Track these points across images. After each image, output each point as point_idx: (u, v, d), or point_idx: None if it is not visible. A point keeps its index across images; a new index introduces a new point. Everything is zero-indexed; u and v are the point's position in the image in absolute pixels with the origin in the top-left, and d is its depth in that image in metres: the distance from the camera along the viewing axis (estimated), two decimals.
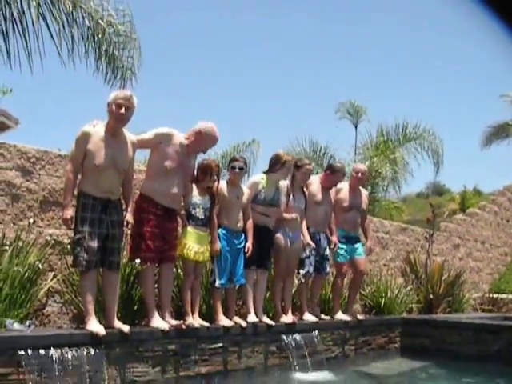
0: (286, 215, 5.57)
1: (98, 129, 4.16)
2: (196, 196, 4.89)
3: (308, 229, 5.96)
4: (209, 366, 4.74)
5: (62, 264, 4.63)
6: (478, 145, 17.24)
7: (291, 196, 5.69)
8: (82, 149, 4.09)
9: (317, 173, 10.39)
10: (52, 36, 6.21)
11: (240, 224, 5.22)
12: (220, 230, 5.08)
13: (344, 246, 6.35)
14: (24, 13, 5.95)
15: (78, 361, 3.76)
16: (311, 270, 5.95)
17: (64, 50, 6.32)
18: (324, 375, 5.45)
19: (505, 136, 16.97)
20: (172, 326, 4.51)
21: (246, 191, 5.31)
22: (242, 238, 5.23)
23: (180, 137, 4.69)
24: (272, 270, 5.76)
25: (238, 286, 5.36)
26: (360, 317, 6.57)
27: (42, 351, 3.61)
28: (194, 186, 4.92)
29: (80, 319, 4.41)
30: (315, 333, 5.74)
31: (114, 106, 4.13)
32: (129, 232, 4.55)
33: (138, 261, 4.46)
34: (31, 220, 4.50)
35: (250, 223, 5.29)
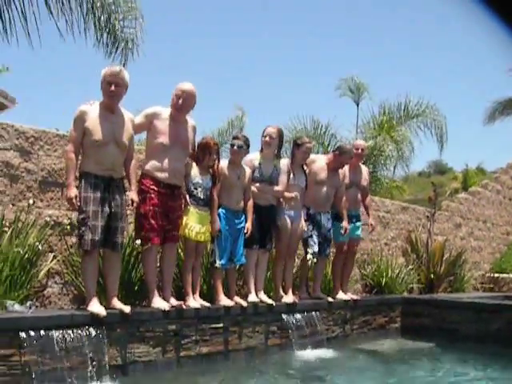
0: (286, 194, 5.53)
1: (94, 107, 4.13)
2: (197, 176, 4.86)
3: (308, 209, 5.93)
4: (209, 346, 4.76)
5: (62, 245, 4.62)
6: (481, 122, 17.04)
7: (291, 174, 5.65)
8: (81, 127, 4.06)
9: (317, 152, 10.36)
10: (50, 9, 6.07)
11: (240, 204, 5.19)
12: (220, 209, 5.05)
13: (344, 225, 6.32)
14: None
15: (79, 342, 3.77)
16: (316, 249, 5.92)
17: (62, 23, 6.18)
18: (324, 354, 5.47)
19: (510, 112, 16.74)
20: (173, 306, 4.51)
21: (248, 171, 5.27)
22: (243, 217, 5.20)
23: (168, 111, 4.64)
24: (274, 249, 5.75)
25: (238, 266, 5.36)
26: (356, 297, 6.57)
27: (43, 332, 3.63)
28: (194, 165, 4.88)
29: (80, 300, 4.42)
30: (316, 312, 5.75)
31: (104, 84, 4.10)
32: (134, 211, 4.54)
33: (138, 241, 4.44)
34: (31, 201, 4.47)
35: (250, 203, 5.26)
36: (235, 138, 5.32)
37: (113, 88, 4.09)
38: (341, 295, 6.38)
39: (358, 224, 6.59)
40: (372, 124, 11.90)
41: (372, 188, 10.93)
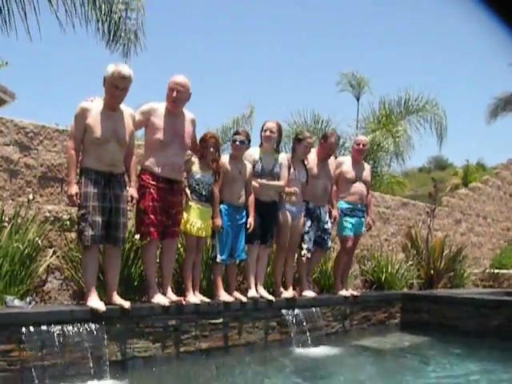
0: (287, 189, 5.53)
1: (95, 103, 4.12)
2: (198, 171, 4.85)
3: (307, 203, 5.93)
4: (209, 342, 4.76)
5: (62, 240, 4.62)
6: (482, 118, 17.00)
7: (292, 169, 5.64)
8: (82, 124, 4.06)
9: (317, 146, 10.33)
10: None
11: (242, 199, 5.18)
12: (222, 205, 5.05)
13: (351, 220, 6.31)
14: None
15: (78, 337, 3.77)
16: (311, 245, 5.93)
17: (62, 13, 6.10)
18: (324, 350, 5.48)
19: (511, 108, 16.67)
20: (172, 301, 4.52)
21: (249, 166, 5.26)
22: (244, 213, 5.20)
23: (163, 106, 4.62)
24: (274, 245, 5.74)
25: (238, 261, 5.36)
26: (355, 293, 6.57)
27: (42, 328, 3.63)
28: (196, 161, 4.88)
29: (80, 295, 4.42)
30: (316, 308, 5.76)
31: (110, 85, 4.07)
32: (134, 207, 4.53)
33: (137, 237, 4.44)
34: (30, 196, 4.46)
35: (251, 199, 5.25)
36: (237, 133, 5.32)
37: (120, 92, 4.09)
38: (343, 292, 6.37)
39: (363, 220, 6.56)
40: (372, 119, 11.88)
41: (372, 183, 10.92)
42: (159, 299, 4.46)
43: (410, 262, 8.30)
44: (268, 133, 5.43)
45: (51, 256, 4.48)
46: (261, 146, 5.50)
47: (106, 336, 3.93)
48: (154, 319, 4.36)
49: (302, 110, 11.85)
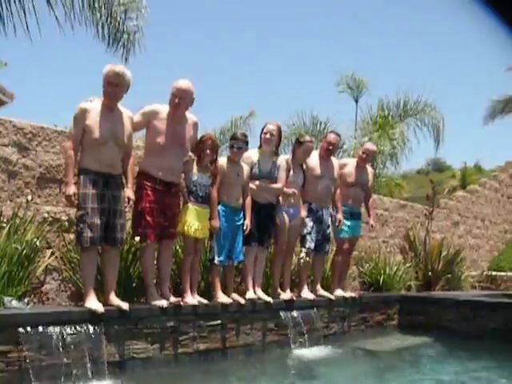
0: (285, 190, 5.54)
1: (94, 104, 4.14)
2: (196, 173, 4.86)
3: (310, 204, 5.93)
4: (207, 343, 4.76)
5: (60, 241, 4.62)
6: (480, 121, 17.02)
7: (291, 171, 5.65)
8: (81, 125, 4.07)
9: (316, 148, 10.36)
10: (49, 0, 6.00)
11: (239, 201, 5.19)
12: (219, 206, 5.05)
13: (347, 222, 6.33)
14: None
15: (77, 338, 3.77)
16: (312, 246, 5.93)
17: (61, 14, 6.10)
18: (322, 352, 5.49)
19: (509, 111, 16.69)
20: (171, 303, 4.52)
21: (246, 168, 5.26)
22: (241, 215, 5.21)
23: (166, 109, 4.62)
24: (272, 247, 5.75)
25: (236, 263, 5.37)
26: (353, 294, 6.58)
27: (40, 329, 3.62)
28: (194, 163, 4.88)
29: (78, 297, 4.42)
30: (313, 310, 5.76)
31: (105, 83, 4.09)
32: (131, 209, 4.54)
33: (137, 238, 4.44)
34: (29, 197, 4.46)
35: (248, 200, 5.26)
36: (234, 138, 5.29)
37: (111, 89, 4.09)
38: (339, 292, 6.38)
39: (360, 222, 6.60)
40: (370, 121, 11.91)
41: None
42: (157, 300, 4.46)
43: (408, 264, 8.31)
44: (268, 135, 5.43)
45: (49, 257, 4.48)
46: (260, 147, 5.51)
47: (104, 337, 3.93)
48: (152, 320, 4.36)
49: (301, 111, 11.89)
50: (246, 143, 5.27)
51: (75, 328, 3.79)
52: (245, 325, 5.14)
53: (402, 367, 5.34)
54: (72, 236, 4.57)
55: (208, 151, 4.85)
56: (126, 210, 4.42)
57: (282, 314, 5.42)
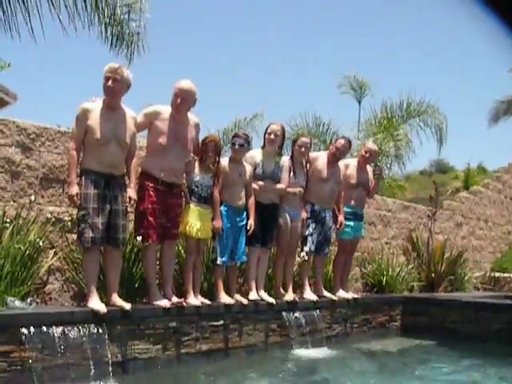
0: (290, 189, 5.54)
1: (96, 104, 4.14)
2: (198, 174, 4.86)
3: (313, 206, 5.93)
4: (210, 344, 4.76)
5: (63, 241, 4.62)
6: (483, 122, 16.99)
7: (291, 172, 5.64)
8: (83, 125, 4.08)
9: (319, 149, 10.35)
10: (52, 2, 6.01)
11: (242, 201, 5.19)
12: (222, 207, 5.05)
13: (350, 223, 6.32)
14: None
15: (79, 338, 3.77)
16: (313, 248, 5.93)
17: (65, 16, 6.10)
18: (324, 353, 5.48)
19: None
20: (173, 303, 4.52)
21: (249, 168, 5.26)
22: (244, 215, 5.20)
23: (168, 110, 4.62)
24: (274, 247, 5.75)
25: (238, 264, 5.37)
26: (356, 296, 6.57)
27: (43, 329, 3.63)
28: (197, 163, 4.88)
29: (81, 297, 4.42)
30: (316, 311, 5.76)
31: (103, 80, 4.10)
32: (133, 209, 4.54)
33: (139, 238, 4.44)
34: (32, 197, 4.47)
35: (252, 200, 5.26)
36: (236, 136, 5.31)
37: (110, 83, 4.09)
38: (342, 293, 6.38)
39: (362, 223, 6.60)
40: (373, 122, 11.89)
41: None
42: (160, 301, 4.46)
43: (411, 265, 8.30)
44: (272, 136, 5.43)
45: (52, 257, 4.48)
46: (263, 147, 5.51)
47: (106, 337, 3.93)
48: (155, 321, 4.36)
49: (304, 112, 11.88)
50: (248, 142, 5.27)
51: (78, 328, 3.79)
52: (247, 325, 5.14)
53: (405, 369, 5.33)
54: (75, 236, 4.58)
55: (210, 153, 4.85)
56: (128, 210, 4.42)
57: (284, 314, 5.42)
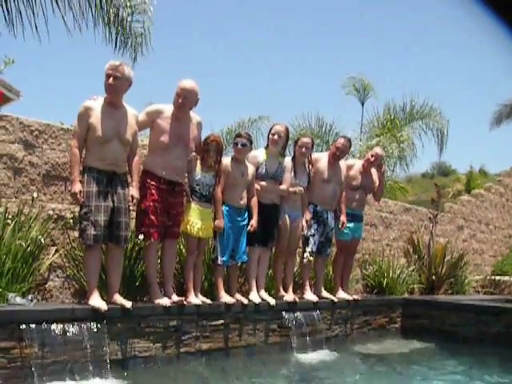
0: (291, 189, 5.55)
1: (98, 102, 4.15)
2: (199, 172, 4.86)
3: (315, 206, 5.93)
4: (210, 343, 4.76)
5: (65, 239, 4.63)
6: (485, 125, 17.01)
7: (292, 173, 5.64)
8: (85, 123, 4.09)
9: (321, 150, 10.35)
10: (56, 1, 6.03)
11: (243, 201, 5.19)
12: (223, 206, 5.05)
13: (349, 225, 6.32)
14: None
15: (79, 336, 3.78)
16: (314, 248, 5.93)
17: (69, 16, 6.14)
18: (324, 354, 5.48)
19: None
20: (174, 302, 4.52)
21: (251, 168, 5.27)
22: (245, 215, 5.20)
23: (171, 108, 4.62)
24: (274, 248, 5.75)
25: (239, 263, 5.37)
26: (356, 297, 6.57)
27: (44, 326, 3.64)
28: (198, 162, 4.89)
29: (82, 294, 4.43)
30: (316, 311, 5.76)
31: (104, 78, 4.11)
32: (135, 207, 4.54)
33: (141, 237, 4.45)
34: (34, 194, 4.47)
35: (254, 200, 5.26)
36: (238, 136, 5.31)
37: (111, 81, 4.10)
38: (342, 294, 6.38)
39: (361, 225, 6.61)
40: (376, 123, 11.90)
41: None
42: (160, 299, 4.47)
43: (412, 268, 8.29)
44: (276, 137, 5.43)
45: (54, 254, 4.49)
46: (267, 148, 5.52)
47: (106, 335, 3.94)
48: (155, 319, 4.37)
49: (307, 113, 11.88)
50: (251, 142, 5.28)
51: (78, 326, 3.80)
52: (247, 325, 5.14)
53: (404, 371, 5.32)
54: (76, 233, 4.58)
55: (212, 152, 4.85)
56: (131, 208, 4.43)
57: (284, 315, 5.42)
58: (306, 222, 5.81)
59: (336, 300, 6.19)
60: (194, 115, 4.78)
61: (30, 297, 3.98)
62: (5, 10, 5.84)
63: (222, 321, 4.89)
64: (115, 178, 4.17)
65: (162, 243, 4.67)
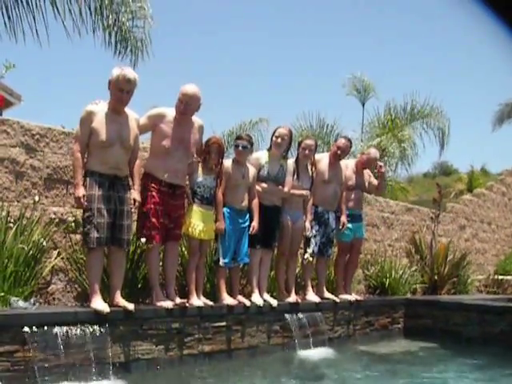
0: (295, 191, 5.55)
1: (101, 107, 4.16)
2: (201, 175, 4.87)
3: (317, 207, 5.93)
4: (212, 345, 4.76)
5: (67, 242, 4.64)
6: (486, 124, 17.01)
7: (295, 175, 5.64)
8: (88, 127, 4.10)
9: (322, 151, 10.35)
10: (56, 6, 6.06)
11: (245, 203, 5.19)
12: (224, 208, 5.06)
13: (349, 225, 6.32)
14: None
15: (82, 339, 3.79)
16: (316, 249, 5.93)
17: (69, 21, 6.16)
18: (326, 355, 5.47)
19: None
20: (176, 304, 4.53)
21: (252, 170, 5.27)
22: (247, 217, 5.21)
23: (173, 112, 4.63)
24: (276, 249, 5.75)
25: (241, 265, 5.37)
26: (359, 298, 6.57)
27: (46, 329, 3.64)
28: (200, 165, 4.90)
29: (84, 297, 4.43)
30: (318, 312, 5.75)
31: (115, 88, 4.10)
32: (136, 210, 4.55)
33: (143, 240, 4.46)
34: (36, 198, 4.48)
35: (255, 202, 5.26)
36: (239, 138, 5.31)
37: (124, 96, 4.12)
38: (344, 295, 6.38)
39: (360, 224, 6.60)
40: (377, 123, 11.89)
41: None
42: (163, 302, 4.47)
43: (414, 268, 8.28)
44: (279, 140, 5.43)
45: (56, 257, 4.50)
46: (269, 150, 5.52)
47: (109, 338, 3.95)
48: (158, 322, 4.37)
49: (308, 113, 11.89)
50: (252, 144, 5.28)
51: (81, 328, 3.80)
52: (250, 327, 5.14)
53: (407, 371, 5.31)
54: (78, 237, 4.60)
55: (214, 155, 4.86)
56: (132, 210, 4.43)
57: (287, 316, 5.42)
58: (310, 222, 5.81)
59: (338, 301, 6.19)
60: (196, 119, 4.78)
61: (32, 300, 3.99)
62: (5, 15, 5.87)
63: (224, 322, 4.89)
64: (117, 181, 4.18)
65: (164, 246, 4.67)
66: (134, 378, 4.08)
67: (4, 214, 4.18)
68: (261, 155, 5.48)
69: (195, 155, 4.93)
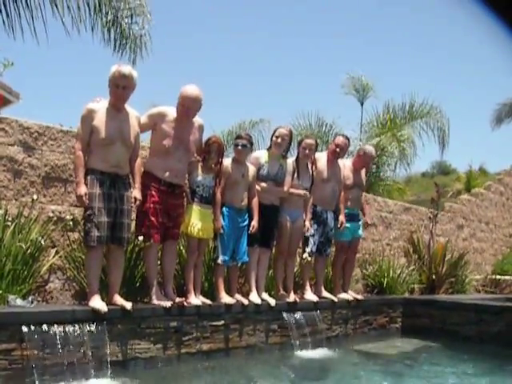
0: (294, 191, 5.55)
1: (101, 105, 4.15)
2: (200, 174, 4.87)
3: (315, 206, 5.93)
4: (210, 344, 4.77)
5: (65, 240, 4.64)
6: (485, 124, 17.04)
7: (295, 175, 5.64)
8: (88, 125, 4.09)
9: (321, 150, 10.35)
10: (55, 3, 6.05)
11: (244, 202, 5.19)
12: (224, 207, 5.06)
13: (347, 225, 6.32)
14: None
15: (80, 337, 3.79)
16: (314, 249, 5.94)
17: (68, 19, 6.15)
18: (324, 354, 5.48)
19: None
20: (174, 303, 4.53)
21: (252, 169, 5.28)
22: (246, 216, 5.21)
23: (173, 112, 4.63)
24: (274, 248, 5.75)
25: (240, 264, 5.37)
26: (358, 297, 6.58)
27: (44, 327, 3.64)
28: (199, 164, 4.89)
29: (82, 296, 4.44)
30: (316, 312, 5.76)
31: (112, 84, 4.11)
32: (136, 208, 4.55)
33: (140, 238, 4.46)
34: (34, 196, 4.48)
35: (255, 201, 5.27)
36: (239, 137, 5.32)
37: (121, 91, 4.11)
38: (342, 294, 6.38)
39: (360, 223, 6.61)
40: (376, 123, 11.88)
41: (375, 188, 10.91)
42: (161, 300, 4.47)
43: (412, 267, 8.29)
44: (279, 140, 5.44)
45: (54, 256, 4.50)
46: (269, 149, 5.52)
47: (107, 336, 3.94)
48: (156, 320, 4.37)
49: (307, 113, 11.88)
50: (251, 143, 5.29)
51: (78, 327, 3.80)
52: (248, 326, 5.14)
53: (405, 370, 5.32)
54: (76, 235, 4.60)
55: (213, 154, 4.87)
56: (132, 209, 4.43)
57: (285, 315, 5.42)
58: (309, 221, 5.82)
59: (336, 300, 6.19)
60: (197, 118, 4.78)
61: (30, 298, 3.99)
62: (4, 13, 5.85)
63: (222, 321, 4.89)
64: (118, 179, 4.18)
65: (163, 244, 4.67)
66: (132, 377, 4.08)
67: (2, 212, 4.17)
68: (260, 154, 5.49)
69: (195, 155, 4.93)
